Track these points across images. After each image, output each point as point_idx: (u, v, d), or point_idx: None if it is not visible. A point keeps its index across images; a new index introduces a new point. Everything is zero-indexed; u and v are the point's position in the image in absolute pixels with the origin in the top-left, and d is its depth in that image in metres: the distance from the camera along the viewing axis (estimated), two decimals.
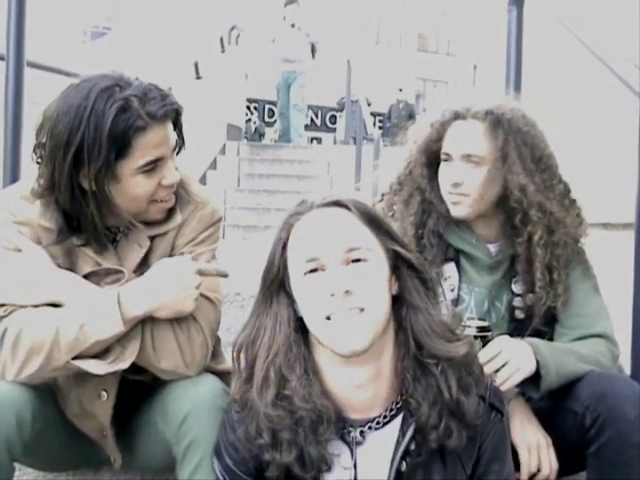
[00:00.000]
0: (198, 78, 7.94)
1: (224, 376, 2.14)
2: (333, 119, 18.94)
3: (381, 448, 1.66)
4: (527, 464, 1.97)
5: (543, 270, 2.13)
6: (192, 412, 1.83)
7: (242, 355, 1.73)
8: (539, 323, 2.17)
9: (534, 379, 1.99)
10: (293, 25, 10.23)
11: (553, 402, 2.04)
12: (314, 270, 1.62)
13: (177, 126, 1.96)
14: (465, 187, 2.16)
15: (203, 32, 9.66)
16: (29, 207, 1.93)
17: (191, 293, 1.87)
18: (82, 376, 1.90)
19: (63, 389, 2.00)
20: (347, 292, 1.57)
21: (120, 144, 1.81)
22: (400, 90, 15.59)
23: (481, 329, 1.97)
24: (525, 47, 3.31)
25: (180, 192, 2.04)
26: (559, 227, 2.15)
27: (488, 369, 1.90)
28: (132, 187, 1.89)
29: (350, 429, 1.67)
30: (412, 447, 1.64)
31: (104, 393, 1.96)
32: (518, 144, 2.14)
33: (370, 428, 1.67)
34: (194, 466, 1.81)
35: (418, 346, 1.64)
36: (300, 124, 10.85)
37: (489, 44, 6.77)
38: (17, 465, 2.12)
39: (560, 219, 2.15)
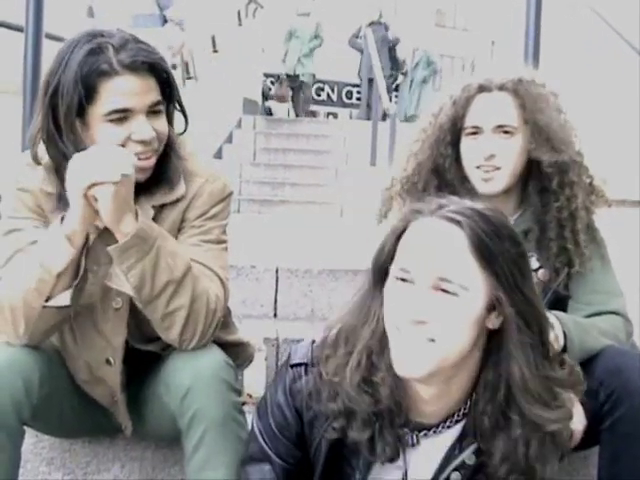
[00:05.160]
0: (215, 52, 7.91)
1: (235, 347, 2.17)
2: (349, 94, 18.86)
3: (432, 454, 1.64)
4: None
5: (573, 236, 2.14)
6: (194, 385, 1.83)
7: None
8: (561, 288, 2.17)
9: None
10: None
11: None
12: (404, 279, 1.52)
13: (163, 84, 1.92)
14: (498, 159, 2.14)
15: (220, 5, 9.62)
16: (32, 173, 1.94)
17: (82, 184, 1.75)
18: (89, 342, 1.94)
19: (72, 355, 2.02)
20: (421, 322, 1.47)
21: (86, 87, 1.80)
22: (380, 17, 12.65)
23: None
24: (543, 23, 3.29)
25: (185, 164, 2.01)
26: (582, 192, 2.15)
27: None
28: (100, 135, 1.85)
29: (406, 430, 1.62)
30: (470, 462, 1.61)
31: (111, 359, 1.98)
32: (545, 109, 2.14)
33: (426, 435, 1.63)
34: (198, 438, 1.82)
35: (507, 398, 1.54)
36: None
37: (507, 19, 6.72)
38: (34, 432, 2.17)
39: (581, 184, 2.16)
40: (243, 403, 1.95)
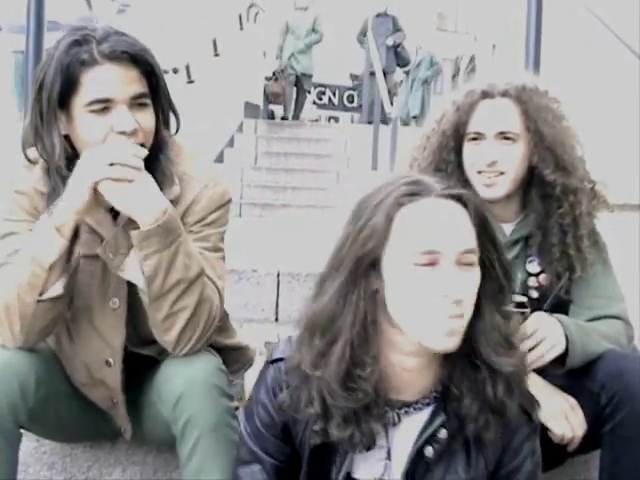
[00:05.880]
0: (216, 55, 7.92)
1: (234, 350, 2.18)
2: (350, 98, 18.87)
3: (412, 431, 1.64)
4: (559, 433, 1.95)
5: (575, 241, 2.13)
6: (185, 392, 1.83)
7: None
8: (563, 292, 2.17)
9: (559, 356, 1.98)
10: None
11: (569, 381, 2.03)
12: (426, 264, 1.51)
13: (149, 77, 1.91)
14: (500, 165, 2.14)
15: (221, 9, 9.64)
16: (28, 174, 1.94)
17: (89, 182, 1.78)
18: (87, 343, 1.95)
19: (69, 357, 2.02)
20: (459, 300, 1.50)
21: (68, 77, 1.82)
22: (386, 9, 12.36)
23: (519, 305, 1.96)
24: (543, 26, 3.30)
25: (182, 168, 1.99)
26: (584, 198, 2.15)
27: (525, 346, 1.88)
28: (83, 128, 1.86)
29: (386, 409, 1.62)
30: (441, 435, 1.62)
31: (111, 360, 1.98)
32: (547, 118, 2.14)
33: (406, 412, 1.64)
34: (192, 445, 1.82)
35: (470, 346, 1.58)
36: None
37: (508, 23, 6.73)
38: (35, 437, 2.18)
39: (584, 190, 2.16)
40: (236, 408, 1.95)
